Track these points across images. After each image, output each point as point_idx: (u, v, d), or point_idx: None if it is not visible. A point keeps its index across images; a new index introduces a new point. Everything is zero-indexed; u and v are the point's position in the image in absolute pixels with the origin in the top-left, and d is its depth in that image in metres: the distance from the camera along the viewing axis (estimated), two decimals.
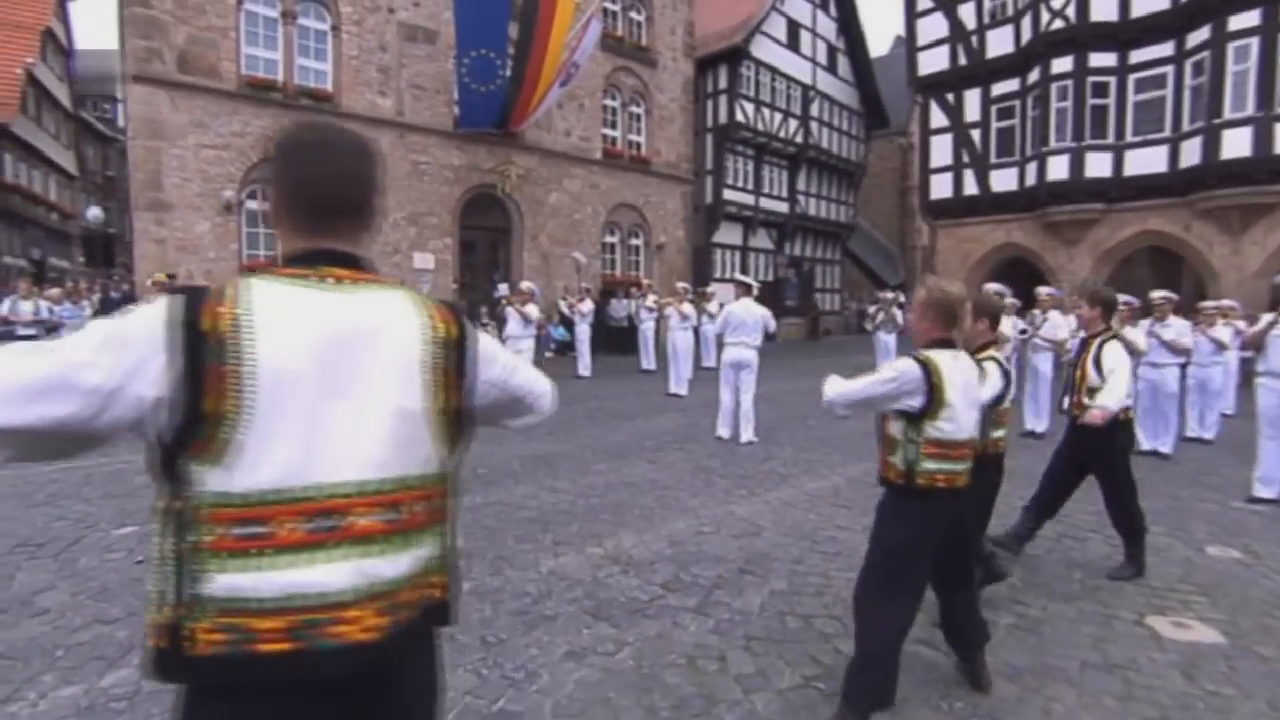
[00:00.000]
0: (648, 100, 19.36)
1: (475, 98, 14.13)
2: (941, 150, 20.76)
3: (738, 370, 7.91)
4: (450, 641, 3.21)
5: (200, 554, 1.03)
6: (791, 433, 8.51)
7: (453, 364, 1.19)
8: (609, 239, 18.81)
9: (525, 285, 10.02)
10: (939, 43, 20.04)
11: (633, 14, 19.03)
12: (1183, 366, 7.80)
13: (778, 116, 22.93)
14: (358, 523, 1.09)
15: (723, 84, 21.59)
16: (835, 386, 2.71)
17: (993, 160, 19.67)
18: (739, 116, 21.45)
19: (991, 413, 3.34)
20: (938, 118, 20.80)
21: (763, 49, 21.97)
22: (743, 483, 6.18)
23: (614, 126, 18.72)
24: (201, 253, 12.30)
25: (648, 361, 13.91)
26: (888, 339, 13.97)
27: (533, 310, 9.63)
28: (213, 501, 1.03)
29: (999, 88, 19.29)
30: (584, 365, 12.80)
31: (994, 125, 19.58)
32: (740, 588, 3.91)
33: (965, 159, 20.24)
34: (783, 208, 24.04)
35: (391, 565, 1.12)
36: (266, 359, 1.03)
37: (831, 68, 25.25)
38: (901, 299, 14.74)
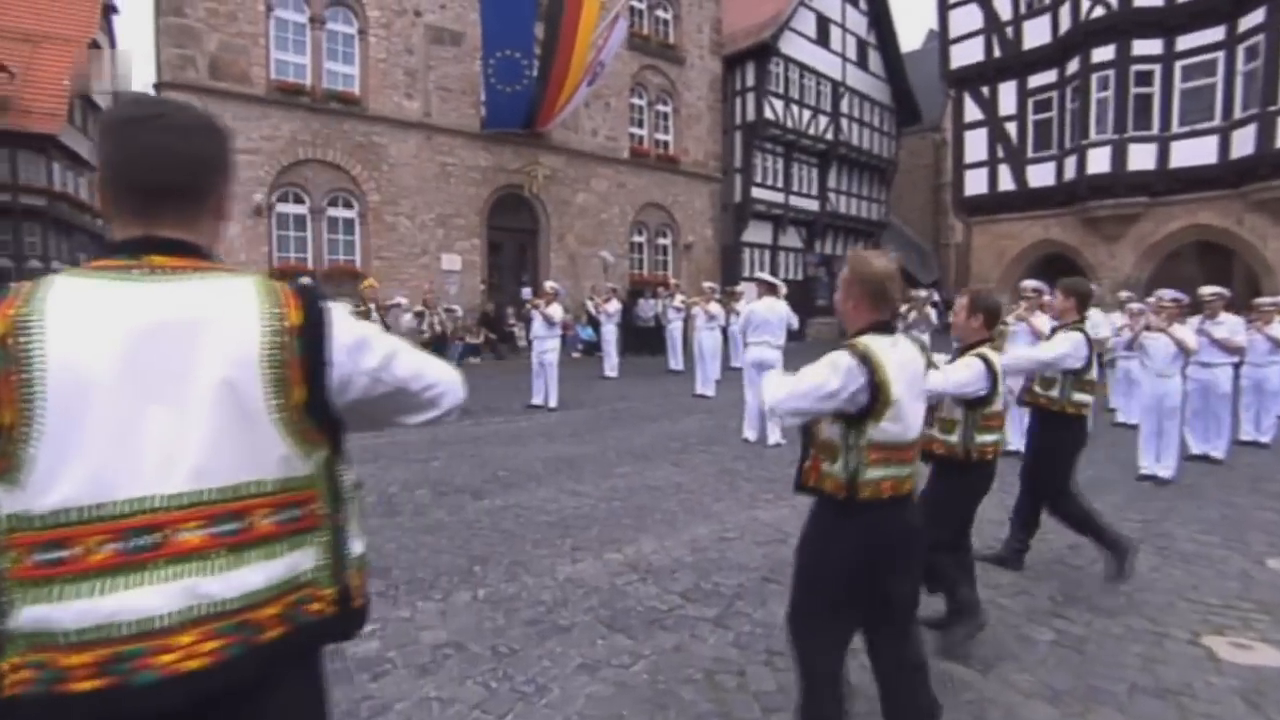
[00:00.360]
0: (675, 99, 19.20)
1: (502, 98, 14.12)
2: (976, 145, 20.24)
3: (761, 370, 7.72)
4: (461, 652, 3.12)
5: (2, 584, 0.93)
6: None
7: (305, 354, 1.05)
8: (636, 238, 18.70)
9: (549, 285, 9.94)
10: (973, 35, 19.55)
11: (659, 12, 18.90)
12: (1236, 366, 7.42)
13: (807, 113, 22.58)
14: (183, 538, 0.98)
15: (751, 81, 21.33)
16: (775, 391, 2.18)
17: (1029, 154, 19.12)
18: (768, 114, 21.17)
19: (976, 415, 3.12)
20: (972, 112, 20.29)
21: (791, 45, 21.66)
22: (769, 486, 6.00)
23: (641, 125, 18.61)
24: (233, 256, 12.45)
25: (675, 362, 13.75)
26: (921, 338, 13.61)
27: (556, 311, 9.54)
28: (10, 526, 0.93)
29: (1036, 79, 18.73)
30: (610, 366, 12.69)
31: (1031, 118, 19.03)
32: (763, 598, 3.75)
33: (1001, 154, 19.71)
34: (813, 206, 23.68)
35: (228, 583, 1.00)
36: (57, 364, 0.92)
37: (862, 63, 24.81)
38: (935, 297, 14.37)
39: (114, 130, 1.08)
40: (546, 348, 9.59)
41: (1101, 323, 8.40)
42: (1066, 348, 3.95)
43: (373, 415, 1.23)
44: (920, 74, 27.08)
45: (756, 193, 21.62)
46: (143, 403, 0.97)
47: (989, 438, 3.19)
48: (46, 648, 0.92)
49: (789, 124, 21.89)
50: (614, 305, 12.32)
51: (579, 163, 16.95)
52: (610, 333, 12.51)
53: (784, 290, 8.23)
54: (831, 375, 2.08)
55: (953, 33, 19.90)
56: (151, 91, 12.23)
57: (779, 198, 22.44)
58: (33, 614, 0.92)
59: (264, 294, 1.05)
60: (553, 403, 9.58)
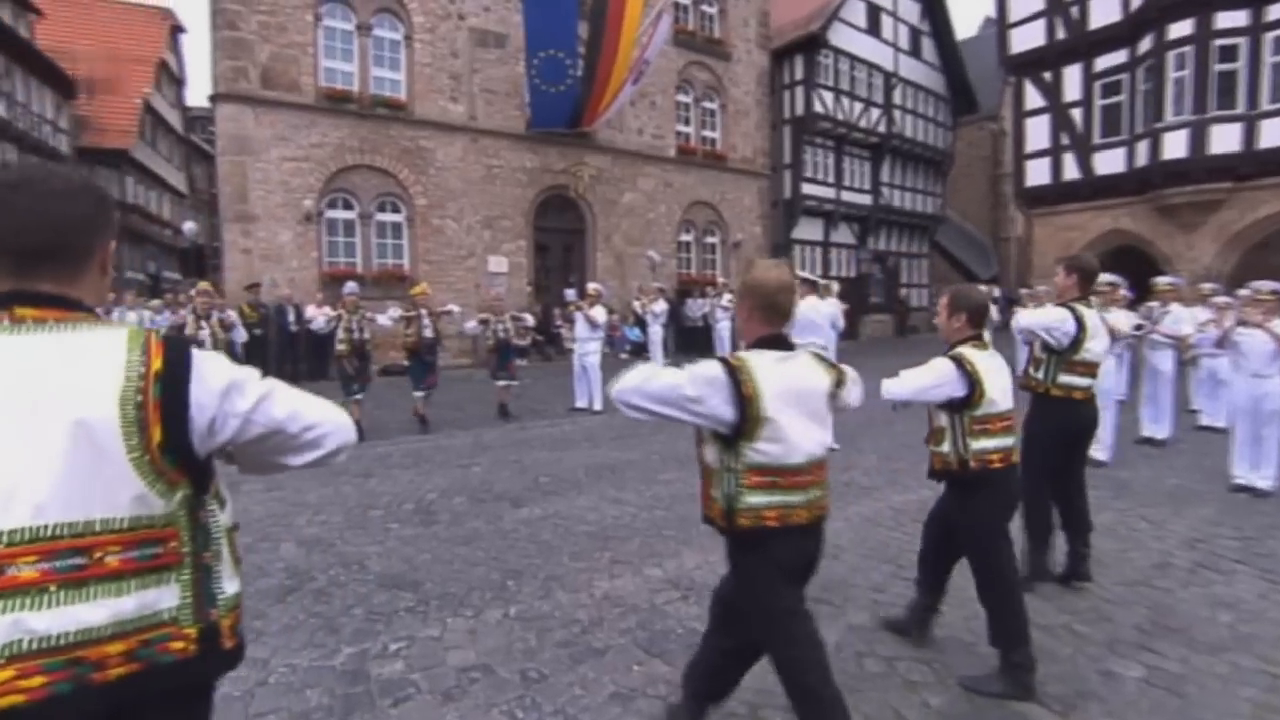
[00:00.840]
0: (722, 95, 18.87)
1: (546, 99, 14.05)
2: (1037, 133, 19.33)
3: None
4: (488, 676, 2.94)
5: None
6: (875, 438, 7.92)
7: (164, 398, 1.09)
8: (684, 237, 18.44)
9: (592, 287, 9.78)
10: (1034, 17, 18.66)
11: (704, 7, 18.59)
12: None
13: (858, 106, 21.95)
14: (14, 573, 0.99)
15: (799, 74, 20.82)
16: (631, 378, 2.07)
17: (1096, 141, 18.15)
18: (817, 107, 20.63)
19: (963, 419, 2.86)
20: (1033, 98, 19.38)
21: (841, 36, 21.07)
22: None
23: (687, 123, 18.33)
24: (284, 262, 12.70)
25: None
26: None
27: (599, 313, 9.37)
28: None
29: (1103, 61, 17.76)
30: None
31: (1097, 103, 18.05)
32: (819, 619, 3.47)
33: (1064, 141, 18.77)
34: (865, 200, 23.01)
35: (59, 619, 1.01)
36: None
37: (915, 52, 24.01)
38: (996, 293, 13.71)
39: None
40: (589, 350, 9.43)
41: (1184, 317, 7.83)
42: (1047, 319, 3.78)
43: (254, 456, 1.25)
44: (977, 62, 26.08)
45: (807, 188, 21.10)
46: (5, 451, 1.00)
47: (988, 444, 2.87)
48: None
49: (839, 117, 21.31)
50: (660, 305, 12.08)
51: (625, 162, 16.78)
52: (656, 334, 12.29)
53: (836, 288, 7.89)
54: (690, 384, 1.98)
55: (1012, 16, 19.05)
56: (208, 104, 12.55)
57: (830, 193, 21.87)
58: None
59: (131, 343, 1.11)
60: (597, 405, 9.41)
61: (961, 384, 2.82)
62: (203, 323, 6.41)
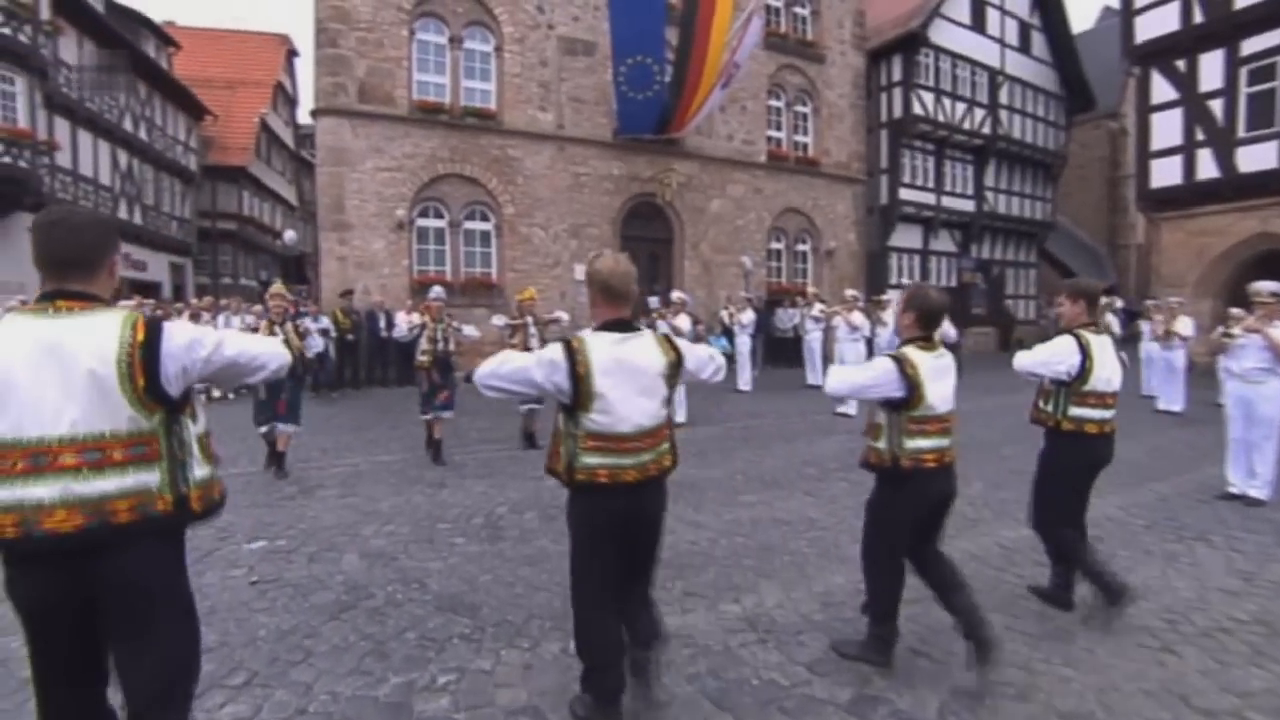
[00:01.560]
0: (815, 98, 18.24)
1: (633, 105, 13.91)
2: (1167, 129, 17.63)
3: None
4: None
5: None
6: (981, 464, 7.21)
7: (144, 358, 1.70)
8: (774, 245, 17.89)
9: (676, 295, 9.48)
10: (1164, 1, 17.05)
11: (797, 9, 18.05)
12: None
13: (961, 106, 20.76)
14: (65, 461, 1.65)
15: (897, 75, 19.90)
16: (490, 363, 2.51)
17: (1241, 135, 16.35)
18: (916, 109, 19.64)
19: (901, 419, 2.95)
20: (1161, 91, 17.70)
21: (942, 33, 20.00)
22: None
23: (779, 128, 17.80)
24: (377, 269, 13.05)
25: (814, 376, 12.82)
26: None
27: (683, 322, 9.05)
28: None
29: (1252, 44, 15.97)
30: (745, 379, 12.01)
31: (1243, 91, 16.25)
32: (911, 679, 3.01)
33: (1200, 136, 17.03)
34: (968, 206, 21.72)
35: (89, 487, 1.67)
36: None
37: (1024, 47, 22.52)
38: (1118, 304, 12.49)
39: (35, 230, 1.75)
40: None
41: None
42: (1047, 355, 3.60)
43: (224, 380, 2.02)
44: (1093, 57, 24.25)
45: (904, 194, 20.10)
46: (42, 385, 1.63)
47: (924, 444, 2.96)
48: None
49: (940, 118, 20.21)
50: (749, 315, 11.65)
51: (713, 168, 16.43)
52: (744, 344, 11.84)
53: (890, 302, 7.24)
54: (536, 366, 2.39)
55: (1139, 1, 17.48)
56: (309, 119, 13.12)
57: (930, 199, 20.75)
58: None
59: (125, 323, 1.71)
60: (680, 418, 9.07)
61: (900, 385, 2.89)
62: (276, 328, 6.21)
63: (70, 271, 1.72)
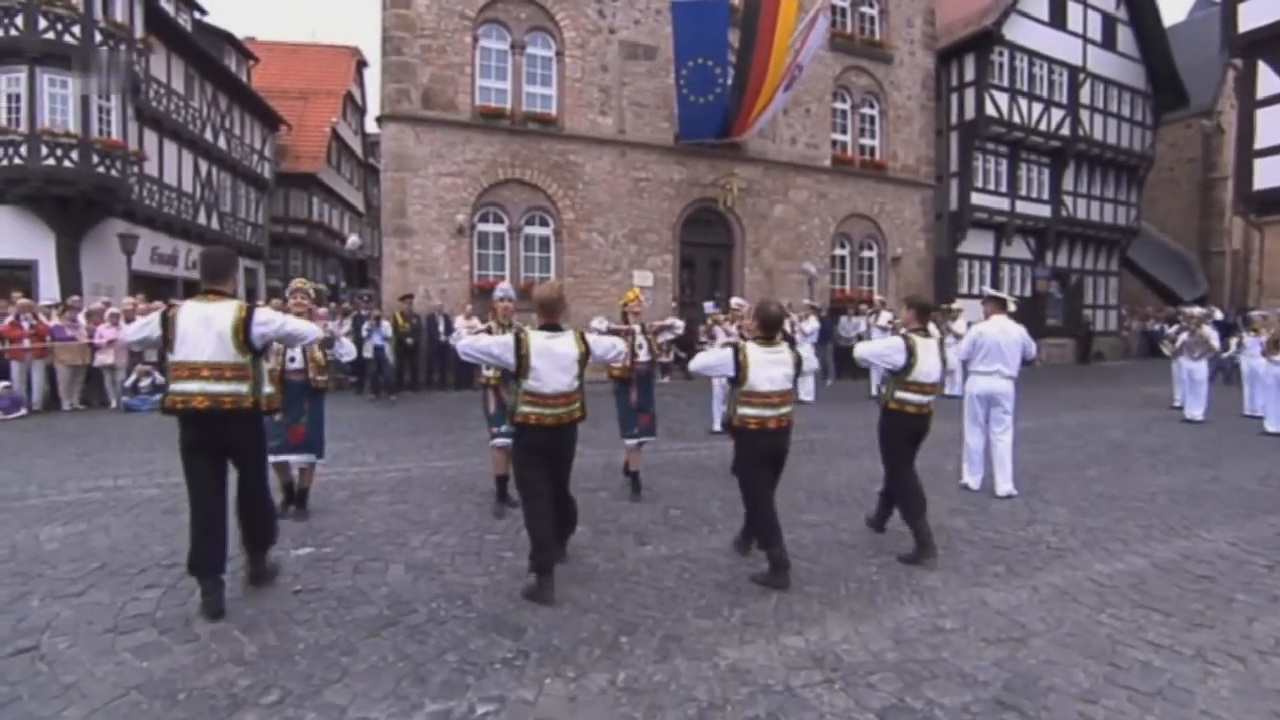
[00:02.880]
0: (882, 100, 17.65)
1: (694, 109, 13.70)
2: (1273, 125, 16.38)
3: (990, 405, 6.40)
4: None
5: (168, 377, 3.59)
6: (1064, 486, 6.69)
7: (243, 327, 3.49)
8: (839, 251, 17.35)
9: (735, 301, 9.18)
10: None
11: (864, 8, 17.51)
12: None
13: (1038, 107, 19.78)
14: (203, 372, 3.43)
15: (970, 75, 19.10)
16: (466, 337, 4.29)
17: None
18: (990, 110, 18.80)
19: (736, 392, 4.20)
20: (1268, 84, 16.48)
21: (1019, 30, 19.10)
22: (998, 555, 4.74)
23: (844, 131, 17.29)
24: (437, 274, 13.16)
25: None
26: (1194, 366, 10.98)
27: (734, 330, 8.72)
28: (173, 364, 3.51)
29: None
30: (807, 389, 11.60)
31: None
32: None
33: None
34: (1044, 211, 20.66)
35: (215, 388, 3.44)
36: (181, 324, 3.45)
37: (1108, 43, 21.33)
38: (1217, 316, 11.57)
39: (201, 258, 3.80)
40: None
41: None
42: (881, 349, 4.92)
43: (285, 341, 4.07)
44: (1184, 52, 22.80)
45: (976, 199, 19.25)
46: (199, 339, 3.45)
47: (749, 411, 4.17)
48: (173, 395, 3.48)
49: (1015, 120, 19.29)
50: (812, 323, 11.25)
51: (776, 173, 16.05)
52: (808, 353, 11.40)
53: (1013, 307, 6.75)
54: (497, 345, 3.85)
55: None
56: (374, 125, 13.34)
57: (1003, 204, 19.82)
58: (173, 387, 3.48)
59: (238, 308, 3.54)
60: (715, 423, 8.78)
61: (731, 368, 4.14)
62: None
63: (215, 279, 3.62)
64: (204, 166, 21.94)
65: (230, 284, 3.67)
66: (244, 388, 3.46)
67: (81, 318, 11.31)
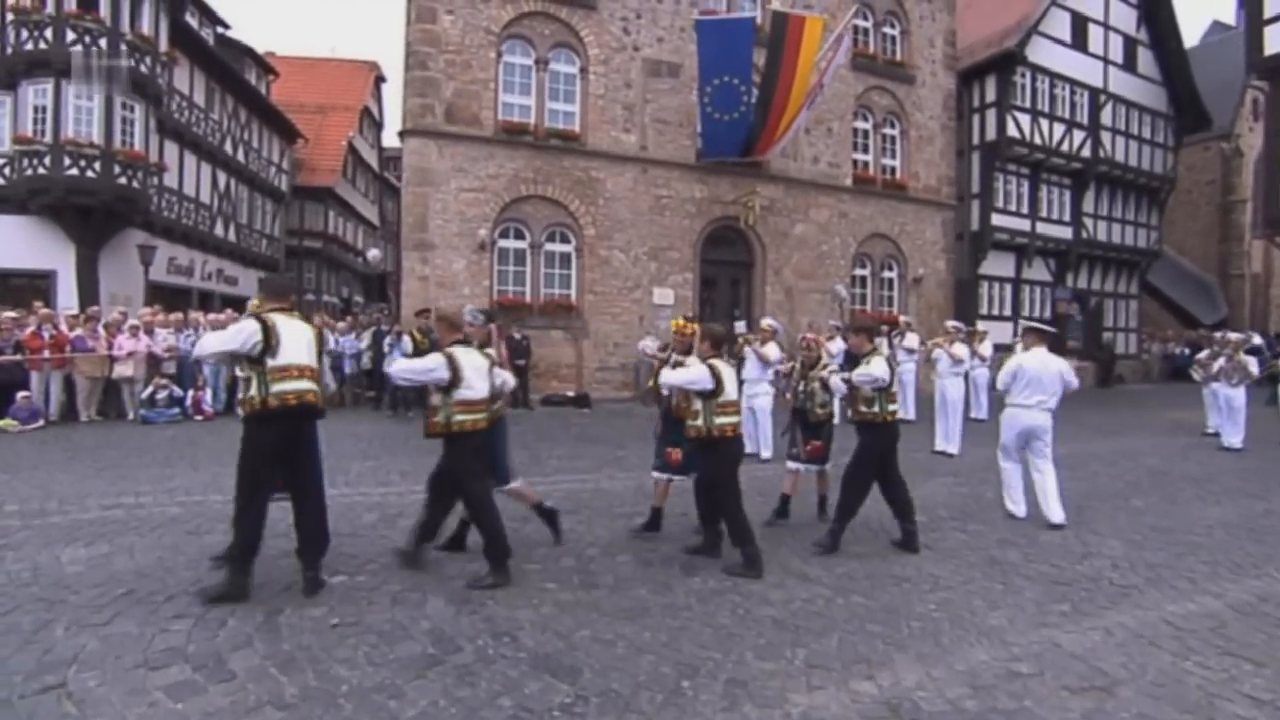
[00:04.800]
0: (904, 120, 17.55)
1: (718, 127, 13.61)
2: None
3: (1029, 439, 6.20)
4: None
5: (267, 380, 4.01)
6: (1111, 518, 6.45)
7: (319, 337, 4.35)
8: (859, 271, 17.18)
9: (766, 323, 8.98)
10: None
11: (886, 29, 17.47)
12: None
13: (1059, 128, 19.66)
14: (306, 371, 4.06)
15: (991, 96, 19.01)
16: (401, 363, 4.89)
17: None
18: (1011, 131, 18.68)
19: (711, 404, 4.66)
20: None
21: (1040, 52, 19.03)
22: (1060, 592, 4.51)
23: (866, 150, 17.18)
24: (458, 289, 13.04)
25: (905, 411, 12.06)
26: (1232, 393, 10.72)
27: (773, 350, 8.54)
28: (274, 367, 3.96)
29: None
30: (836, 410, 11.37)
31: None
32: None
33: None
34: (1065, 234, 20.49)
35: (311, 385, 4.09)
36: (280, 331, 4.00)
37: (1129, 65, 21.25)
38: (1255, 340, 11.33)
39: (268, 281, 4.95)
40: (758, 391, 8.59)
41: None
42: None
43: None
44: (1201, 75, 22.66)
45: (997, 219, 19.08)
46: (296, 344, 4.07)
47: (726, 420, 4.71)
48: (281, 395, 3.94)
49: (1037, 141, 19.17)
50: (837, 344, 11.01)
51: (797, 192, 15.93)
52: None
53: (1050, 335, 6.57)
54: (436, 365, 4.27)
55: (1268, 11, 16.20)
56: (394, 142, 13.30)
57: (1024, 225, 19.66)
58: (279, 387, 3.93)
59: (309, 324, 4.41)
60: (766, 453, 8.56)
61: (710, 381, 4.66)
62: None
63: (282, 297, 4.35)
64: (222, 178, 22.01)
65: (294, 299, 4.73)
66: (318, 386, 4.16)
67: (100, 328, 11.21)
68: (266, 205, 25.37)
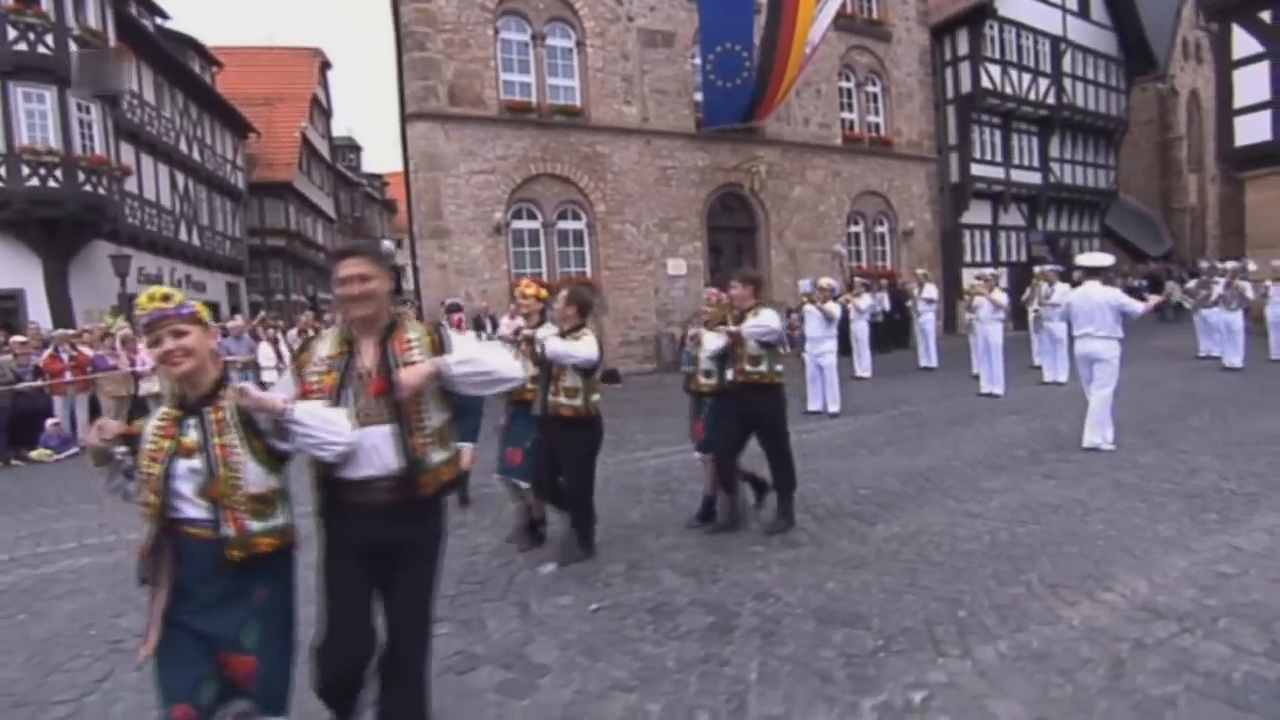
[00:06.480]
0: (884, 77, 17.91)
1: (721, 94, 13.69)
2: (1251, 85, 17.18)
3: (1090, 363, 6.64)
4: None
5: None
6: (1184, 436, 6.97)
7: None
8: (853, 229, 17.57)
9: (825, 281, 9.22)
10: None
11: None
12: None
13: (1026, 77, 20.34)
14: None
15: (963, 49, 19.50)
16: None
17: None
18: (984, 83, 19.24)
19: (592, 381, 4.24)
20: (1244, 45, 17.25)
21: (1006, 4, 19.57)
22: (1198, 504, 4.88)
23: (851, 110, 17.48)
24: (478, 274, 12.88)
25: (928, 359, 12.56)
26: (1231, 318, 11.48)
27: (835, 308, 8.81)
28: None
29: None
30: (864, 365, 11.79)
31: None
32: None
33: None
34: (1035, 179, 21.30)
35: None
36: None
37: (1084, 12, 22.04)
38: (1252, 266, 12.12)
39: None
40: (824, 349, 8.87)
41: None
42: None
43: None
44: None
45: (976, 170, 19.72)
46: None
47: (598, 397, 4.34)
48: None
49: (1008, 91, 19.81)
50: (865, 300, 11.41)
51: (794, 155, 16.16)
52: (862, 329, 11.59)
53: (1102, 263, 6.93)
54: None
55: None
56: (343, 131, 12.97)
57: (999, 173, 20.36)
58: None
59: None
60: (833, 408, 8.84)
61: (597, 354, 4.26)
62: None
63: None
64: (180, 179, 21.03)
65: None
66: None
67: (119, 344, 10.73)
68: (226, 205, 24.34)
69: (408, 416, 2.20)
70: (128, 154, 17.85)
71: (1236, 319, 11.48)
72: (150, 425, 2.03)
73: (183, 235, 21.00)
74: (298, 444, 2.05)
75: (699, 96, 14.66)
